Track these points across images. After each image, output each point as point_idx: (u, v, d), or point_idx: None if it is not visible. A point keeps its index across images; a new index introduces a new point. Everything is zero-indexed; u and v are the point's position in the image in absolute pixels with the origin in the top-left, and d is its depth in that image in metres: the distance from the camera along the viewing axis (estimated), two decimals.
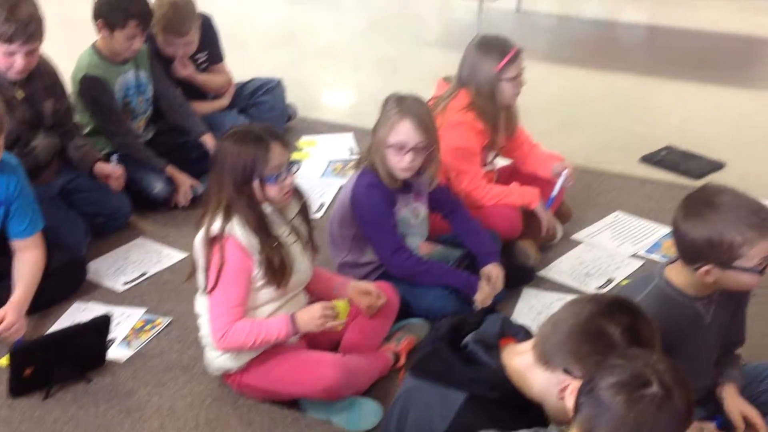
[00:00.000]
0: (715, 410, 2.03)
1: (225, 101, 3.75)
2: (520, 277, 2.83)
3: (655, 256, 2.98)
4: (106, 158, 3.18)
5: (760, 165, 3.70)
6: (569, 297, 2.16)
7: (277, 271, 2.17)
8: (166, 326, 2.64)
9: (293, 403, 2.29)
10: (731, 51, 5.22)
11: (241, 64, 4.00)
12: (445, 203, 2.74)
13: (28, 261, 2.58)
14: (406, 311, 2.56)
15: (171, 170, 3.28)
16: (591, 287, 2.82)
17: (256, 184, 2.14)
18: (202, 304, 2.26)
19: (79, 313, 2.68)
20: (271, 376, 2.22)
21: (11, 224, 2.56)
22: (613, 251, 3.03)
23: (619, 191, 3.47)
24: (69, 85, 3.16)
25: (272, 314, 2.23)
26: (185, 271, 2.35)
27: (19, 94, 2.83)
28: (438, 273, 2.58)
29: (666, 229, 3.08)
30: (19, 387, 2.32)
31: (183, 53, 3.52)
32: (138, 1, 3.14)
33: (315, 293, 2.41)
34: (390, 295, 2.44)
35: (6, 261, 2.58)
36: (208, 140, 3.37)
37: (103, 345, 2.44)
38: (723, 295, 1.90)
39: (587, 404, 1.35)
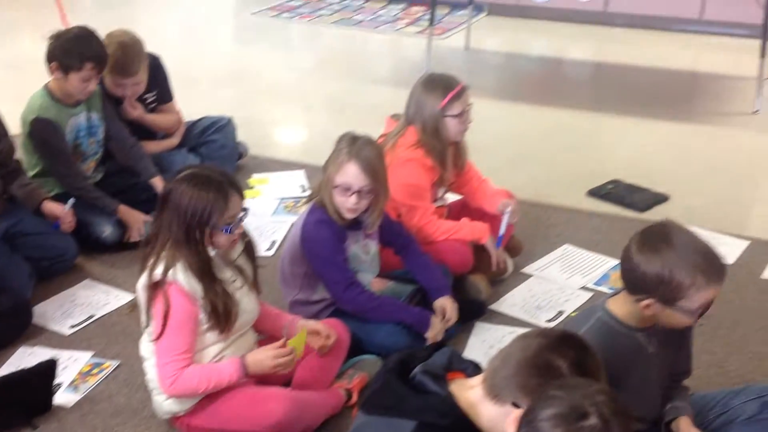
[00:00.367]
0: None
1: (175, 140, 3.73)
2: (472, 311, 2.84)
3: (603, 288, 3.02)
4: (55, 199, 3.14)
5: (703, 197, 3.79)
6: (521, 330, 2.17)
7: (221, 316, 2.15)
8: (114, 369, 2.59)
9: None
10: (675, 86, 5.37)
11: (191, 103, 4.00)
12: (397, 239, 2.76)
13: None
14: (358, 348, 2.55)
15: (123, 209, 3.24)
16: (541, 320, 2.85)
17: (207, 230, 2.13)
18: (147, 347, 2.23)
19: (24, 357, 2.62)
20: (220, 415, 2.19)
21: None
22: (563, 284, 3.07)
23: (567, 225, 3.53)
24: (13, 125, 3.12)
25: (218, 355, 2.20)
26: (134, 313, 2.31)
27: None
28: (390, 309, 2.59)
29: (613, 262, 3.13)
30: None
31: (132, 93, 3.50)
32: (93, 44, 3.13)
33: (264, 331, 2.40)
34: (340, 333, 2.44)
35: None
36: (158, 183, 3.34)
37: (50, 390, 2.39)
38: (666, 327, 1.93)
39: None
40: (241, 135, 3.98)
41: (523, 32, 6.57)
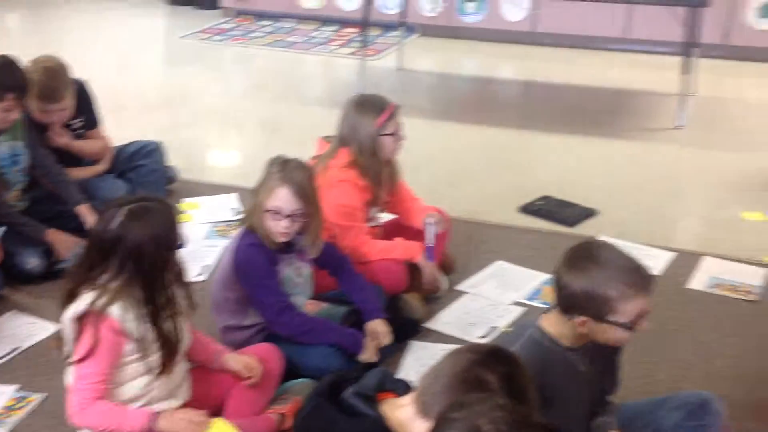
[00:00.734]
0: None
1: (102, 166, 3.67)
2: (407, 330, 2.85)
3: (536, 303, 3.07)
4: None
5: (630, 211, 3.88)
6: (455, 347, 2.18)
7: (170, 353, 2.11)
8: (40, 403, 2.51)
9: None
10: (602, 103, 5.50)
11: (120, 128, 3.94)
12: (331, 260, 2.75)
13: None
14: (293, 371, 2.53)
15: (52, 232, 3.17)
16: (475, 336, 2.87)
17: (166, 265, 2.09)
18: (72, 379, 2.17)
19: None
20: None
21: None
22: (496, 300, 3.10)
23: (500, 241, 3.57)
24: None
25: (149, 384, 2.15)
26: (59, 344, 2.25)
27: None
28: (324, 331, 2.58)
29: (545, 276, 3.18)
30: None
31: (58, 120, 3.44)
32: (14, 73, 3.07)
33: (195, 360, 2.35)
34: (273, 358, 2.41)
35: None
36: (84, 211, 3.26)
37: None
38: (597, 345, 1.96)
39: None
40: (173, 159, 3.94)
41: (454, 52, 6.66)
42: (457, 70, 6.44)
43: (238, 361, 2.34)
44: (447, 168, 4.41)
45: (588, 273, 1.82)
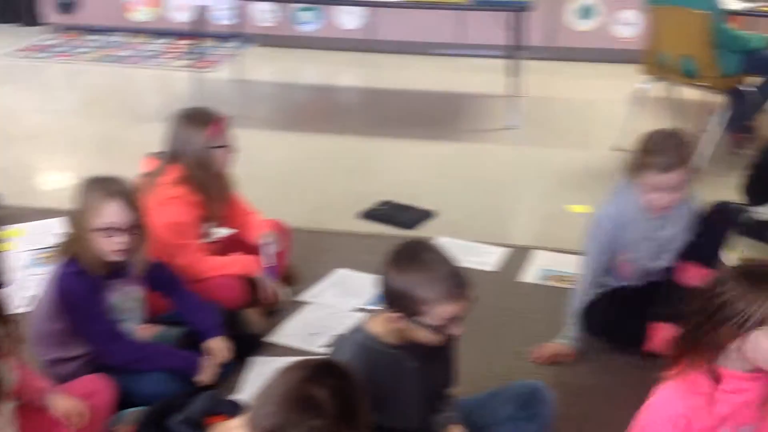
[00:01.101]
0: None
1: None
2: (248, 346, 2.80)
3: (378, 308, 3.08)
4: None
5: (466, 210, 3.99)
6: (287, 364, 2.15)
7: None
8: None
9: None
10: (438, 107, 5.63)
11: None
12: (164, 281, 2.67)
13: None
14: (128, 400, 2.43)
15: None
16: (317, 346, 2.86)
17: None
18: None
19: None
20: None
21: None
22: (338, 308, 3.11)
23: (341, 248, 3.58)
24: None
25: None
26: None
27: None
28: (158, 356, 2.50)
29: None
30: None
31: None
32: None
33: (21, 397, 2.21)
34: (102, 391, 2.30)
35: None
36: None
37: None
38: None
39: None
40: None
41: (293, 62, 6.65)
42: (296, 80, 6.43)
43: (61, 404, 2.21)
44: (288, 178, 4.38)
45: (407, 273, 1.86)
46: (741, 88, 4.50)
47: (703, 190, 4.02)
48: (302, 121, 5.42)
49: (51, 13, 7.09)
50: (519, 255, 3.52)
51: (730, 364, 1.69)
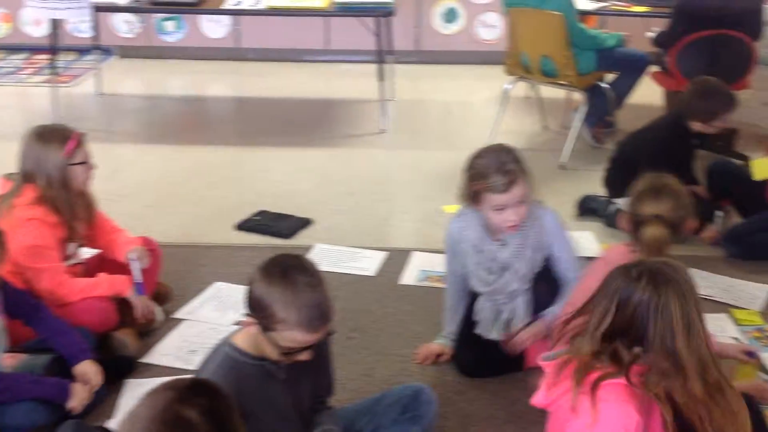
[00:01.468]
0: None
1: None
2: (120, 368, 2.69)
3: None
4: None
5: (344, 216, 3.98)
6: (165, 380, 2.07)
7: None
8: None
9: None
10: (311, 114, 5.59)
11: None
12: (24, 308, 2.53)
13: None
14: None
15: None
16: (196, 364, 2.76)
17: None
18: None
19: None
20: None
21: None
22: (216, 322, 3.03)
23: (217, 262, 3.50)
24: None
25: None
26: None
27: None
28: (23, 386, 2.35)
29: None
30: None
31: None
32: None
33: None
34: None
35: None
36: None
37: None
38: None
39: None
40: None
41: (158, 73, 6.47)
42: (163, 91, 6.25)
43: None
44: (160, 193, 4.25)
45: (271, 283, 1.82)
46: (601, 84, 4.70)
47: (569, 186, 4.20)
48: (172, 133, 5.27)
49: None
50: (398, 258, 3.53)
51: None
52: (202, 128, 5.42)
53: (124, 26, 6.55)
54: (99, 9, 5.14)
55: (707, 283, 3.25)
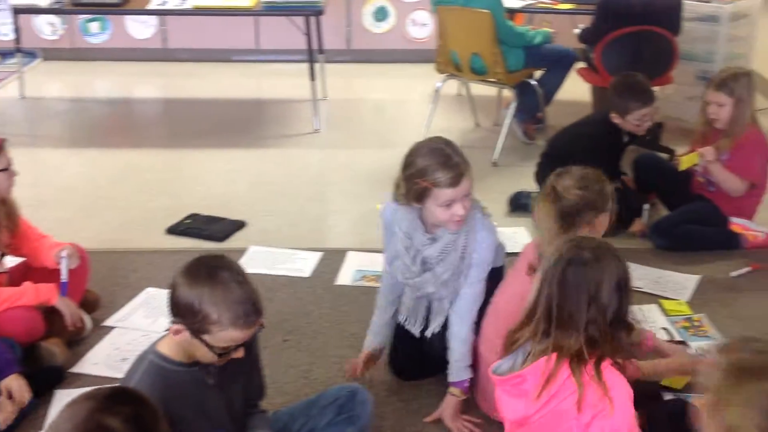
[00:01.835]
0: None
1: None
2: (49, 380, 2.61)
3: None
4: None
5: (278, 218, 3.94)
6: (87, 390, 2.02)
7: None
8: None
9: None
10: (243, 115, 5.54)
11: None
12: None
13: None
14: None
15: None
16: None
17: None
18: None
19: None
20: None
21: None
22: (148, 329, 2.96)
23: (148, 267, 3.43)
24: None
25: None
26: None
27: None
28: None
29: None
30: None
31: None
32: None
33: None
34: None
35: None
36: None
37: None
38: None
39: None
40: None
41: (84, 75, 6.32)
42: (90, 94, 6.10)
43: None
44: (86, 198, 4.14)
45: (200, 286, 1.78)
46: (530, 81, 4.76)
47: (501, 182, 4.24)
48: (98, 136, 5.15)
49: None
50: (334, 258, 3.51)
51: None
52: (130, 131, 5.31)
53: (47, 28, 6.38)
54: (18, 11, 5.00)
55: (636, 274, 3.26)
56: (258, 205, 4.07)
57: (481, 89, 5.10)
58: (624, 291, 1.89)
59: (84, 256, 2.98)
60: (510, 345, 1.94)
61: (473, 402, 2.54)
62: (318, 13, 4.96)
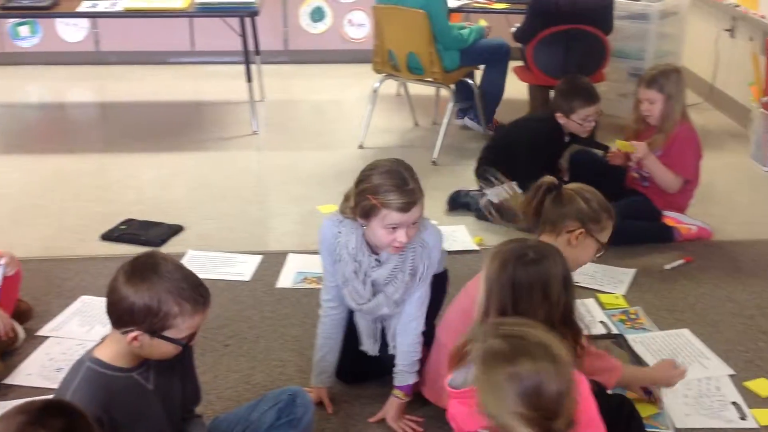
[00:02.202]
0: None
1: None
2: None
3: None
4: None
5: (217, 221, 3.89)
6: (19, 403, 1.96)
7: None
8: None
9: None
10: (179, 117, 5.45)
11: None
12: None
13: None
14: None
15: None
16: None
17: None
18: None
19: None
20: None
21: None
22: (83, 338, 2.89)
23: (82, 275, 3.35)
24: None
25: None
26: None
27: None
28: None
29: None
30: None
31: None
32: None
33: None
34: None
35: None
36: None
37: None
38: (162, 360, 1.89)
39: None
40: None
41: (13, 80, 6.15)
42: (20, 99, 5.93)
43: None
44: (16, 205, 4.03)
45: (150, 286, 1.77)
46: (467, 80, 4.80)
47: (441, 181, 4.26)
48: (30, 142, 5.02)
49: None
50: (274, 261, 3.48)
51: None
52: (62, 136, 5.18)
53: None
54: None
55: None
56: (196, 209, 4.01)
57: (419, 89, 5.12)
58: (570, 287, 1.90)
59: (17, 264, 2.89)
60: (459, 360, 1.82)
61: (417, 395, 2.53)
62: (253, 14, 4.91)
